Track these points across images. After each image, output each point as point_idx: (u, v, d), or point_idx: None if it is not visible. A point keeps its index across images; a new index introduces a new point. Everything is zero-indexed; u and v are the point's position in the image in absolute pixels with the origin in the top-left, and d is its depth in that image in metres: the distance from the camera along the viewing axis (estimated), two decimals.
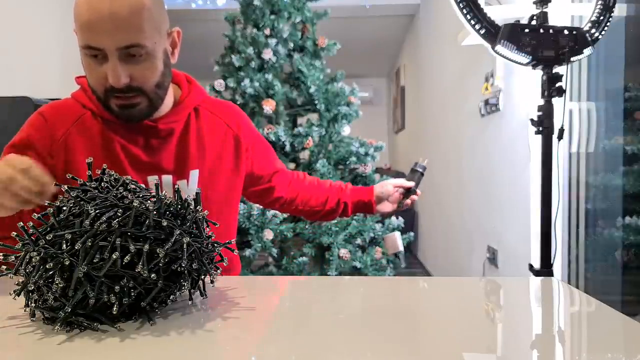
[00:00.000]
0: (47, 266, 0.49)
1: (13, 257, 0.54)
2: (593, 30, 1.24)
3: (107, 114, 0.81)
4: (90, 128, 0.82)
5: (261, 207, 1.98)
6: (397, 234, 1.10)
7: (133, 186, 0.58)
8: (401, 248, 1.09)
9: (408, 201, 1.03)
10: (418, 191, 1.04)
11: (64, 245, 0.49)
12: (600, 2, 1.26)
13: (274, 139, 2.05)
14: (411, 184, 1.03)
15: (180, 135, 0.85)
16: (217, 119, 0.91)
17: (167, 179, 0.84)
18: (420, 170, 1.05)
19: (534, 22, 1.25)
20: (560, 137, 1.18)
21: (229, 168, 0.91)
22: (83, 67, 0.76)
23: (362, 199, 1.05)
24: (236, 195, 0.95)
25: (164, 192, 0.56)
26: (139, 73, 0.74)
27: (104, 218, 0.50)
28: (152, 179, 0.83)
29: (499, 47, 1.19)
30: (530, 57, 1.19)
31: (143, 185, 0.60)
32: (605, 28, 1.25)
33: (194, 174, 0.86)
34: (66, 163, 0.81)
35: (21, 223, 0.52)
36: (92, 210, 0.50)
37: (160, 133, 0.83)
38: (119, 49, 0.70)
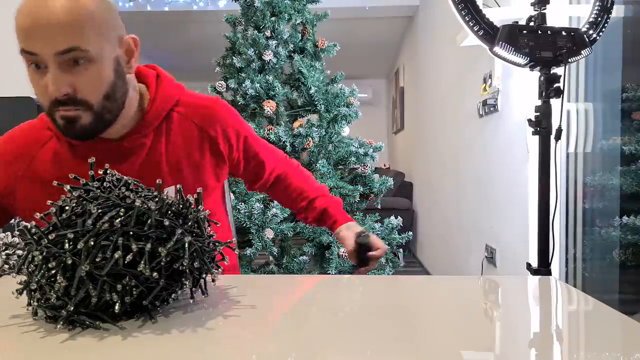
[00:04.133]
0: (49, 265, 0.49)
1: (15, 257, 0.54)
2: (591, 32, 1.25)
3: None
4: (56, 154, 0.76)
5: (262, 206, 1.98)
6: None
7: (135, 186, 0.58)
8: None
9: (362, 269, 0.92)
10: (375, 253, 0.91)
11: (67, 245, 0.50)
12: (598, 4, 1.27)
13: (274, 139, 2.06)
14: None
15: (150, 150, 0.78)
16: (191, 124, 0.82)
17: None
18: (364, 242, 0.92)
19: (532, 24, 1.25)
20: (558, 137, 1.18)
21: (209, 178, 0.84)
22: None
23: (334, 216, 0.96)
24: (216, 202, 0.89)
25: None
26: (82, 83, 0.66)
27: (106, 217, 0.50)
28: None
29: (497, 49, 1.20)
30: (528, 58, 1.19)
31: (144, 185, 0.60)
32: (603, 29, 1.26)
33: (171, 190, 0.80)
34: (28, 192, 0.76)
35: (24, 222, 0.52)
36: (94, 209, 0.51)
37: (127, 152, 0.76)
38: (57, 54, 0.64)
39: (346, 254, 2.02)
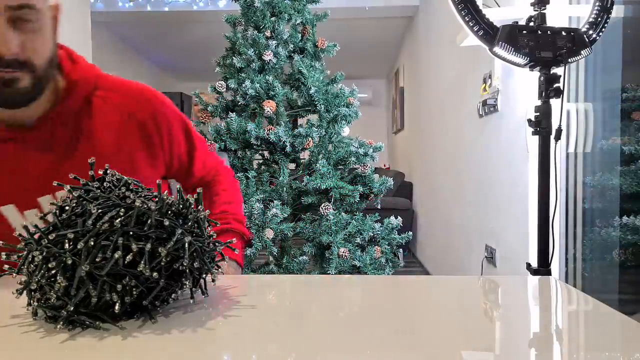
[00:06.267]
0: (49, 265, 0.49)
1: (15, 256, 0.54)
2: (590, 32, 1.25)
3: None
4: None
5: (262, 206, 1.98)
6: None
7: (135, 186, 0.58)
8: None
9: None
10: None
11: (67, 245, 0.50)
12: (597, 4, 1.27)
13: (274, 139, 2.06)
14: None
15: (70, 142, 0.69)
16: (115, 109, 0.73)
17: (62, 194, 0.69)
18: None
19: (531, 24, 1.26)
20: (557, 137, 1.18)
21: (143, 167, 0.75)
22: None
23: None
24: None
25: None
26: (30, 43, 0.61)
27: (106, 217, 0.51)
28: (44, 200, 0.69)
29: (497, 49, 1.20)
30: (528, 59, 1.19)
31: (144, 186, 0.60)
32: (603, 29, 1.26)
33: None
34: None
35: (24, 222, 0.52)
36: (94, 209, 0.51)
37: (43, 144, 0.67)
38: (8, 9, 0.58)
39: (345, 255, 2.02)
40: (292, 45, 2.24)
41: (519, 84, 1.89)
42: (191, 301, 0.59)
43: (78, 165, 0.68)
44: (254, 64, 2.17)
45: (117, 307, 0.50)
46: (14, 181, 0.67)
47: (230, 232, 0.86)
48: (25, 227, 0.52)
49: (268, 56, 2.14)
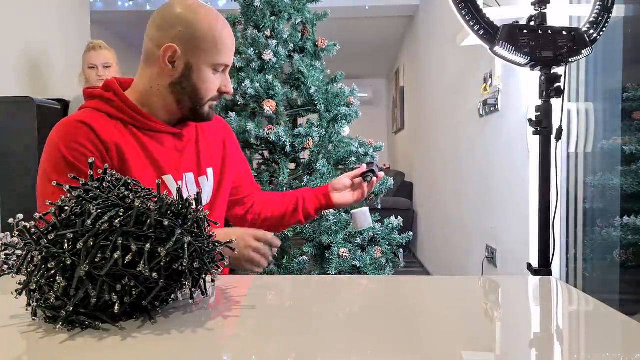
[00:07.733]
0: (49, 265, 0.49)
1: (15, 257, 0.54)
2: (591, 31, 1.24)
3: (143, 122, 0.87)
4: (125, 136, 0.87)
5: None
6: (366, 209, 1.10)
7: (134, 186, 0.58)
8: (371, 223, 1.10)
9: (366, 186, 1.06)
10: (381, 174, 1.07)
11: (66, 245, 0.50)
12: (598, 3, 1.26)
13: (274, 139, 2.06)
14: (363, 169, 1.07)
15: (195, 139, 0.97)
16: (215, 128, 1.03)
17: (190, 176, 0.94)
18: (375, 163, 1.12)
19: (532, 23, 1.25)
20: (558, 137, 1.18)
21: (230, 171, 1.04)
22: (196, 78, 0.85)
23: (318, 192, 1.11)
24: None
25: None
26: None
27: (105, 217, 0.50)
28: (187, 175, 0.94)
29: (497, 48, 1.20)
30: (529, 58, 1.19)
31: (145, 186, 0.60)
32: (604, 29, 1.26)
33: (210, 171, 0.98)
34: (120, 165, 0.84)
35: (23, 222, 0.52)
36: (93, 209, 0.51)
37: (183, 138, 0.94)
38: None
39: (346, 255, 2.01)
40: (292, 45, 2.24)
41: (520, 84, 1.88)
42: (191, 301, 0.59)
43: (200, 154, 0.96)
44: (253, 63, 2.17)
45: (116, 308, 0.50)
46: (173, 160, 0.92)
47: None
48: (25, 227, 0.52)
49: (268, 56, 2.14)
